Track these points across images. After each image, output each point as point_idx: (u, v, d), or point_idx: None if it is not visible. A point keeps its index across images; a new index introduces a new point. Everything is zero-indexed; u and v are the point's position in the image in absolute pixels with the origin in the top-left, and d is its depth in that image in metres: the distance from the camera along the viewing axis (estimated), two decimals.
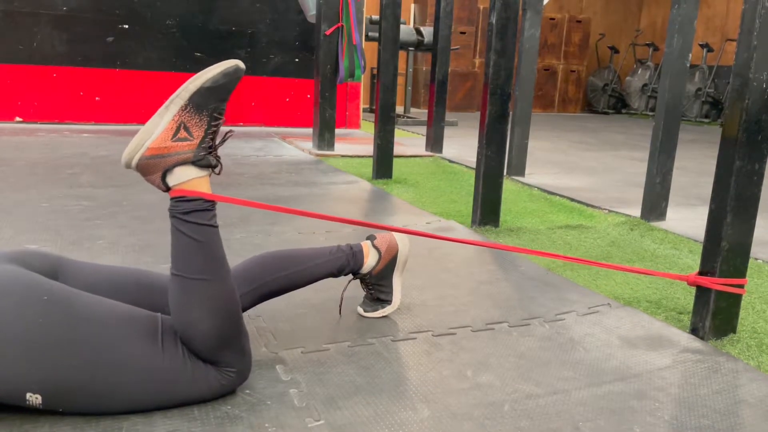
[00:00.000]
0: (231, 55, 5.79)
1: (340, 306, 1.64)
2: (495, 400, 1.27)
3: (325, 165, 4.02)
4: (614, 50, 10.53)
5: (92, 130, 5.11)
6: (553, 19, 10.09)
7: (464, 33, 9.49)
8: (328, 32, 4.30)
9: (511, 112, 3.50)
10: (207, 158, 1.20)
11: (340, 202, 3.05)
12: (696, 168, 4.80)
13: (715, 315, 1.59)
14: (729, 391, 1.36)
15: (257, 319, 1.58)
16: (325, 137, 4.46)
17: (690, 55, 2.72)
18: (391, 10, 3.45)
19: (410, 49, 7.50)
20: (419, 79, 9.68)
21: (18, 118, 5.27)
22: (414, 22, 9.55)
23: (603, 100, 10.77)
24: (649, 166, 2.81)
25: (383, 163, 3.58)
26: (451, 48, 5.15)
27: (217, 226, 1.21)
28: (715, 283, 1.57)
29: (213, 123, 1.20)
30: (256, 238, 2.32)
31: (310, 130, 5.46)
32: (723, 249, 1.55)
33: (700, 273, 1.62)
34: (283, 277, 1.43)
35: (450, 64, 4.80)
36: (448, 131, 5.76)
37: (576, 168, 4.53)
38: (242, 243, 2.25)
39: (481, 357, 1.46)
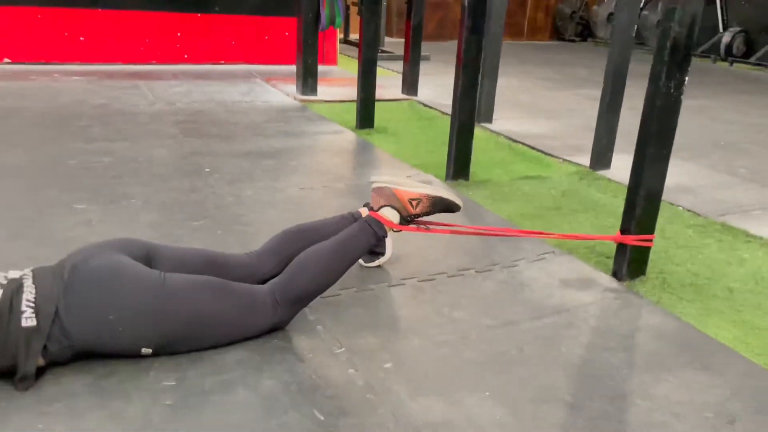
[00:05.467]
0: None
1: None
2: (465, 331, 1.77)
3: (310, 112, 4.38)
4: None
5: (80, 71, 5.30)
6: None
7: None
8: None
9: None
10: (410, 221, 1.90)
11: (329, 155, 3.45)
12: None
13: (630, 263, 2.10)
14: (632, 321, 1.88)
15: None
16: (308, 83, 4.78)
17: (635, 26, 3.12)
18: None
19: None
20: (392, 6, 9.78)
21: (6, 60, 5.42)
22: None
23: (570, 27, 11.04)
24: (597, 125, 3.27)
25: (365, 113, 3.96)
26: None
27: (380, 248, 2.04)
28: (631, 239, 2.06)
29: (430, 214, 1.91)
30: (264, 195, 2.73)
31: (289, 68, 5.71)
32: (636, 214, 2.04)
33: (621, 231, 2.11)
34: (306, 245, 1.86)
35: None
36: (421, 67, 6.07)
37: (539, 111, 4.96)
38: (253, 199, 2.66)
39: (454, 299, 1.95)
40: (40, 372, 1.44)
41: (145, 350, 1.51)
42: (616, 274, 2.14)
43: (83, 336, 1.45)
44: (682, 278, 2.20)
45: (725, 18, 9.20)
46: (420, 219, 1.95)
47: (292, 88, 5.04)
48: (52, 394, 1.40)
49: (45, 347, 1.42)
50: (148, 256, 1.66)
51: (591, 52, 9.71)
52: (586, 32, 11.10)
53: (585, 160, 3.52)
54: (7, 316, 1.40)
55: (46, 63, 5.51)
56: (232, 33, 6.14)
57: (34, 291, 1.45)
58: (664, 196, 2.99)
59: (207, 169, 3.01)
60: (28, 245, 2.11)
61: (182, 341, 1.54)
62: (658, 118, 1.95)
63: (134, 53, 5.83)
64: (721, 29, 9.15)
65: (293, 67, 5.34)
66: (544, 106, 5.17)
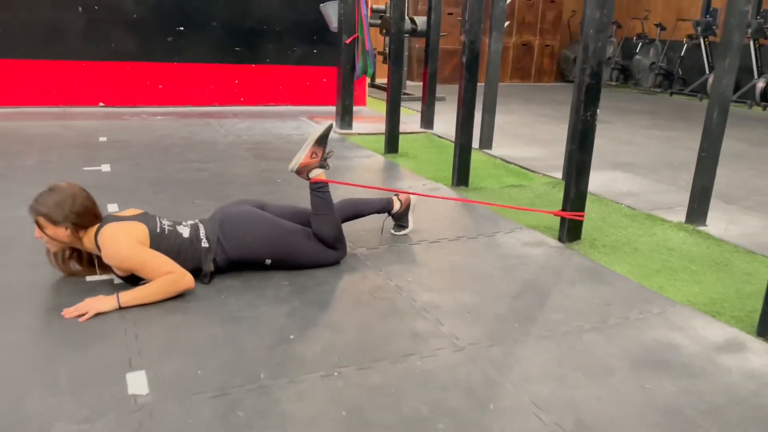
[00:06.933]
0: (262, 47, 7.24)
1: (382, 229, 3.22)
2: (459, 266, 2.87)
3: (348, 142, 5.56)
4: None
5: (161, 112, 6.59)
6: (529, 0, 11.44)
7: (451, 14, 10.86)
8: (347, 41, 5.77)
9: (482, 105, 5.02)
10: (324, 164, 2.76)
11: (365, 171, 4.60)
12: (624, 139, 6.36)
13: (568, 231, 3.19)
14: (564, 262, 2.97)
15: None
16: (346, 119, 5.98)
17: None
18: (397, 43, 4.92)
19: (405, 35, 8.93)
20: (413, 55, 11.08)
21: (101, 103, 6.73)
22: (408, 12, 10.87)
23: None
24: (566, 149, 4.37)
25: (392, 142, 5.12)
26: (440, 34, 6.58)
27: (329, 192, 2.77)
28: (566, 214, 3.16)
29: (325, 149, 2.77)
30: None
31: (327, 108, 6.97)
32: (571, 198, 3.14)
33: (562, 209, 3.20)
34: (354, 211, 2.99)
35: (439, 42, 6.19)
36: (437, 107, 7.25)
37: (533, 140, 6.08)
38: None
39: (453, 251, 3.05)
40: (212, 277, 2.57)
41: (267, 261, 2.64)
42: (560, 239, 3.23)
43: (233, 251, 2.58)
44: (605, 243, 3.27)
45: (759, 65, 9.47)
46: (327, 156, 2.80)
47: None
48: (221, 287, 2.53)
49: (214, 259, 2.56)
50: (261, 206, 2.81)
51: None
52: None
53: (559, 174, 4.62)
54: (195, 241, 2.55)
55: (133, 106, 6.82)
56: (279, 80, 7.42)
57: (204, 229, 2.60)
58: (613, 198, 4.10)
59: (279, 180, 4.17)
60: None
61: (286, 259, 2.66)
62: (580, 137, 3.06)
63: (201, 97, 7.13)
64: (755, 75, 9.44)
65: (330, 107, 6.58)
66: (538, 137, 6.29)
